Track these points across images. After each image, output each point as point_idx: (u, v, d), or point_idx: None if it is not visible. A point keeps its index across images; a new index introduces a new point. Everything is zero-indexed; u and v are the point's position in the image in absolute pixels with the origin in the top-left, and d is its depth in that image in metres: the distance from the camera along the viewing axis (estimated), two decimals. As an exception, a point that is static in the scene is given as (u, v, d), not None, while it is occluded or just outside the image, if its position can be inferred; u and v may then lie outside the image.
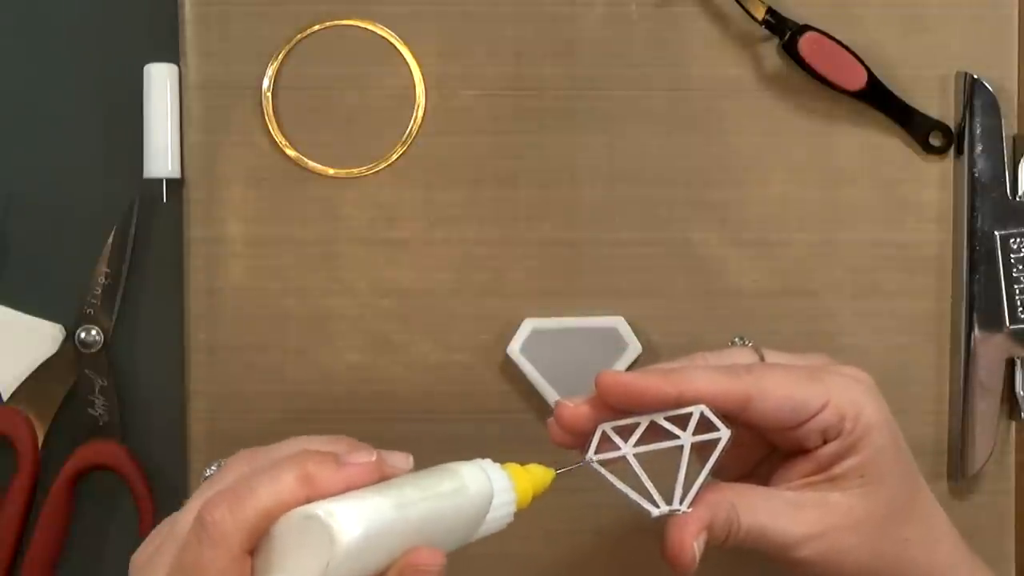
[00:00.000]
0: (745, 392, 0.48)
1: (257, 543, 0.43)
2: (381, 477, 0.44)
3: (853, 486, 0.50)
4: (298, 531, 0.41)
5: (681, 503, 0.48)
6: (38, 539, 0.62)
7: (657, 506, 0.48)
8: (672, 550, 0.48)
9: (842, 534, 0.50)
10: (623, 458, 0.49)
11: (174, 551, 0.44)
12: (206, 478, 0.49)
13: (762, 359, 0.52)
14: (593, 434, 0.49)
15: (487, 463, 0.47)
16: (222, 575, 0.42)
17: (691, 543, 0.48)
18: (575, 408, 0.49)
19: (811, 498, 0.50)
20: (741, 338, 0.55)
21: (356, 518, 0.41)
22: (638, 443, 0.48)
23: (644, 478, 0.48)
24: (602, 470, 0.49)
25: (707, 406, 0.48)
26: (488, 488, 0.45)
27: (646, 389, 0.48)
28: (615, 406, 0.49)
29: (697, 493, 0.48)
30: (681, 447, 0.48)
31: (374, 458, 0.44)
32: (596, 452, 0.49)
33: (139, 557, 0.47)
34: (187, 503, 0.48)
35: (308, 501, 0.42)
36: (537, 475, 0.48)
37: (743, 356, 0.52)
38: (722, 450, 0.48)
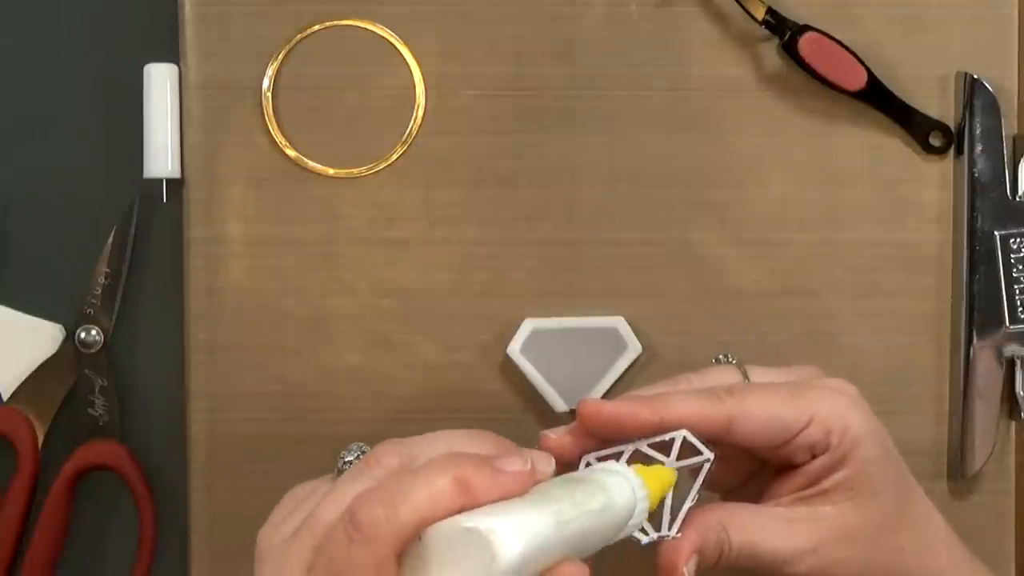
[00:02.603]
0: (727, 415, 0.48)
1: (408, 547, 0.42)
2: (534, 484, 0.44)
3: (843, 499, 0.50)
4: (455, 542, 0.41)
5: (670, 529, 0.48)
6: (38, 539, 0.62)
7: (647, 533, 0.48)
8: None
9: (835, 547, 0.49)
10: None
11: (312, 542, 0.43)
12: (347, 463, 0.48)
13: (746, 376, 0.52)
14: (578, 464, 0.49)
15: (629, 473, 0.46)
16: None
17: (682, 568, 0.48)
18: (558, 439, 0.49)
19: (802, 513, 0.50)
20: (725, 355, 0.54)
21: (518, 535, 0.40)
22: None
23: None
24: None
25: (689, 430, 0.48)
26: (632, 502, 0.45)
27: (626, 417, 0.48)
28: (597, 435, 0.49)
29: (685, 517, 0.48)
30: None
31: (529, 467, 0.44)
32: None
33: (271, 537, 0.46)
34: (324, 487, 0.47)
35: (463, 508, 0.42)
36: (665, 477, 0.47)
37: (726, 375, 0.52)
38: (707, 473, 0.48)
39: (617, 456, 0.48)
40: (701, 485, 0.48)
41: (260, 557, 0.46)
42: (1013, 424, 0.64)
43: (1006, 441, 0.64)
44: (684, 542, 0.48)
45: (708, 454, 0.48)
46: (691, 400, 0.49)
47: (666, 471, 0.47)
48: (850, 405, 0.50)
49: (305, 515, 0.45)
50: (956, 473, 0.63)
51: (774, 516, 0.50)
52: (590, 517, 0.43)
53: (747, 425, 0.49)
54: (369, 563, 0.41)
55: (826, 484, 0.50)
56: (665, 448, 0.48)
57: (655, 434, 0.48)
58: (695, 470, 0.48)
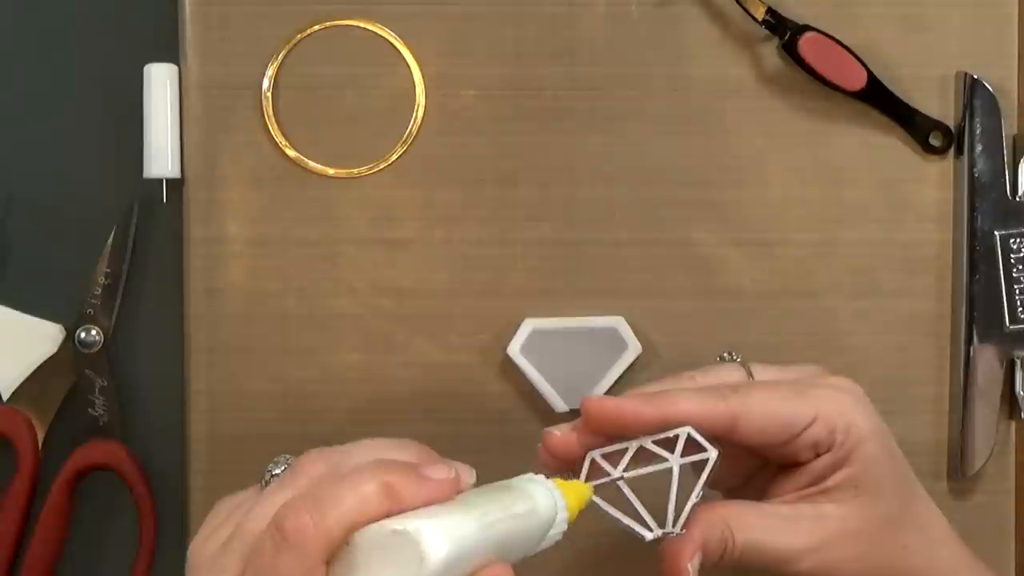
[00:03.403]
0: (731, 413, 0.48)
1: (335, 553, 0.42)
2: (458, 493, 0.44)
3: (847, 497, 0.50)
4: (383, 545, 0.41)
5: (674, 525, 0.48)
6: (38, 539, 0.62)
7: (651, 530, 0.48)
8: (668, 574, 0.48)
9: (839, 545, 0.50)
10: (614, 484, 0.49)
11: (243, 551, 0.43)
12: (273, 475, 0.48)
13: (750, 375, 0.52)
14: (583, 462, 0.49)
15: (548, 483, 0.46)
16: None
17: (686, 566, 0.48)
18: (563, 436, 0.49)
19: (806, 511, 0.50)
20: (729, 353, 0.54)
21: (444, 536, 0.41)
22: (628, 468, 0.49)
23: (636, 502, 0.48)
24: (598, 499, 0.48)
25: (693, 428, 0.48)
26: (553, 509, 0.46)
27: (630, 414, 0.48)
28: (601, 432, 0.49)
29: (690, 513, 0.48)
30: (671, 469, 0.48)
31: (454, 475, 0.44)
32: (587, 479, 0.49)
33: (201, 550, 0.46)
34: (252, 498, 0.47)
35: (390, 514, 0.42)
36: (580, 491, 0.47)
37: (730, 373, 0.52)
38: (711, 470, 0.48)
39: (621, 453, 0.49)
40: (705, 482, 0.48)
41: (191, 567, 0.46)
42: (1013, 424, 0.64)
43: (1006, 441, 0.64)
44: (688, 539, 0.48)
45: (712, 451, 0.48)
46: (695, 397, 0.49)
47: (582, 486, 0.48)
48: (854, 403, 0.50)
49: (234, 526, 0.45)
50: (956, 473, 0.63)
51: (778, 514, 0.50)
52: (515, 520, 0.44)
53: (751, 423, 0.49)
54: (297, 571, 0.41)
55: (829, 482, 0.50)
56: (669, 445, 0.48)
57: (659, 431, 0.48)
58: (699, 467, 0.48)
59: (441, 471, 0.44)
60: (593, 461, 0.49)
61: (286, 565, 0.41)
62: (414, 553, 0.40)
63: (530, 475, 0.47)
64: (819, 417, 0.49)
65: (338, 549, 0.42)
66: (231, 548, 0.44)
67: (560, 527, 0.46)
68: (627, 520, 0.48)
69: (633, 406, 0.48)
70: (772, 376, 0.53)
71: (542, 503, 0.45)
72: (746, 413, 0.49)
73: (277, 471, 0.48)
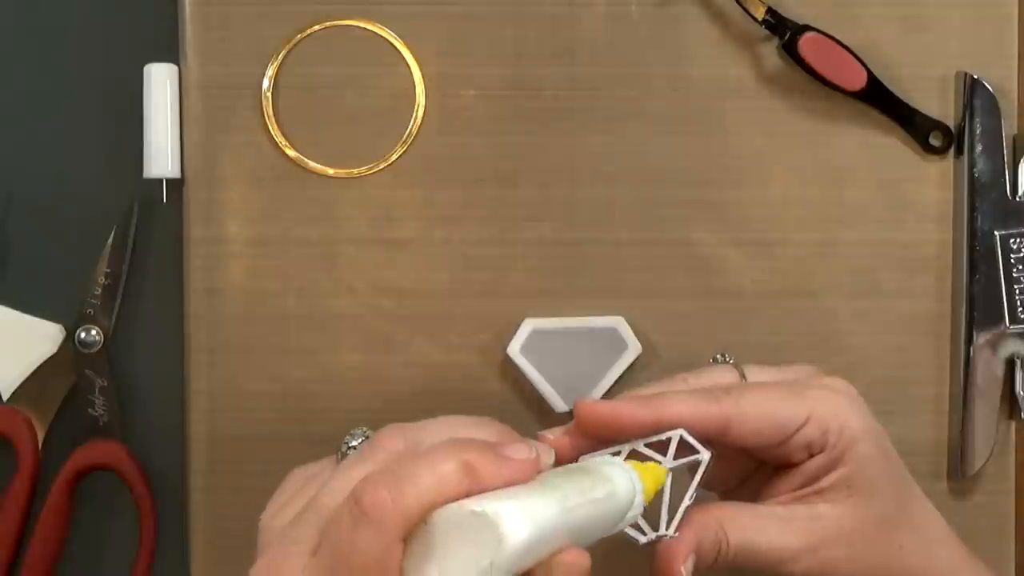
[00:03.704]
0: (724, 415, 0.49)
1: (413, 532, 0.41)
2: (537, 473, 0.44)
3: (841, 497, 0.50)
4: (462, 526, 0.40)
5: (668, 528, 0.48)
6: (38, 539, 0.62)
7: (644, 533, 0.48)
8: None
9: (833, 546, 0.49)
10: None
11: (318, 524, 0.43)
12: (351, 447, 0.48)
13: (743, 376, 0.52)
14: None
15: (627, 466, 0.46)
16: (376, 560, 0.40)
17: (679, 569, 0.48)
18: (556, 440, 0.49)
19: (800, 512, 0.50)
20: (723, 354, 0.54)
21: (524, 519, 0.40)
22: None
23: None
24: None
25: (686, 430, 0.48)
26: (631, 492, 0.45)
27: (624, 417, 0.48)
28: (594, 436, 0.49)
29: (683, 515, 0.48)
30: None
31: (534, 455, 0.44)
32: None
33: (272, 523, 0.46)
34: (327, 470, 0.47)
35: (469, 493, 0.42)
36: (658, 474, 0.47)
37: (723, 375, 0.52)
38: (704, 472, 0.48)
39: (614, 456, 0.48)
40: (699, 484, 0.48)
41: (263, 541, 0.46)
42: (1013, 424, 0.64)
43: (1006, 441, 0.64)
44: (681, 542, 0.48)
45: (705, 454, 0.48)
46: (688, 400, 0.49)
47: (659, 469, 0.48)
48: (847, 404, 0.50)
49: (308, 499, 0.45)
50: (956, 473, 0.63)
51: (772, 515, 0.50)
52: (594, 505, 0.44)
53: (744, 425, 0.49)
54: (374, 547, 0.40)
55: (824, 483, 0.50)
56: (662, 448, 0.48)
57: (652, 434, 0.48)
58: (692, 469, 0.48)
59: (521, 451, 0.44)
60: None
61: (363, 540, 0.41)
62: (493, 535, 0.40)
63: (607, 456, 0.47)
64: (812, 418, 0.49)
65: (416, 527, 0.41)
66: (305, 520, 0.43)
67: (637, 510, 0.46)
68: (621, 524, 0.47)
69: (626, 409, 0.48)
70: (765, 377, 0.53)
71: (621, 486, 0.45)
72: (739, 415, 0.49)
73: (354, 443, 0.48)
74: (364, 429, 0.48)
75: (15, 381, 0.63)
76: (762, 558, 0.49)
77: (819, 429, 0.49)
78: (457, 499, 0.41)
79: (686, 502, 0.48)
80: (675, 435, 0.48)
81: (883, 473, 0.50)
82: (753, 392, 0.50)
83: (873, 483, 0.50)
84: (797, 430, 0.49)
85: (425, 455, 0.42)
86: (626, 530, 0.47)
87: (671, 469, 0.48)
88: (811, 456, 0.50)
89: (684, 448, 0.48)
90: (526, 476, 0.43)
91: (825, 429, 0.49)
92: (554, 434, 0.49)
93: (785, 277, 0.63)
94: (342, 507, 0.42)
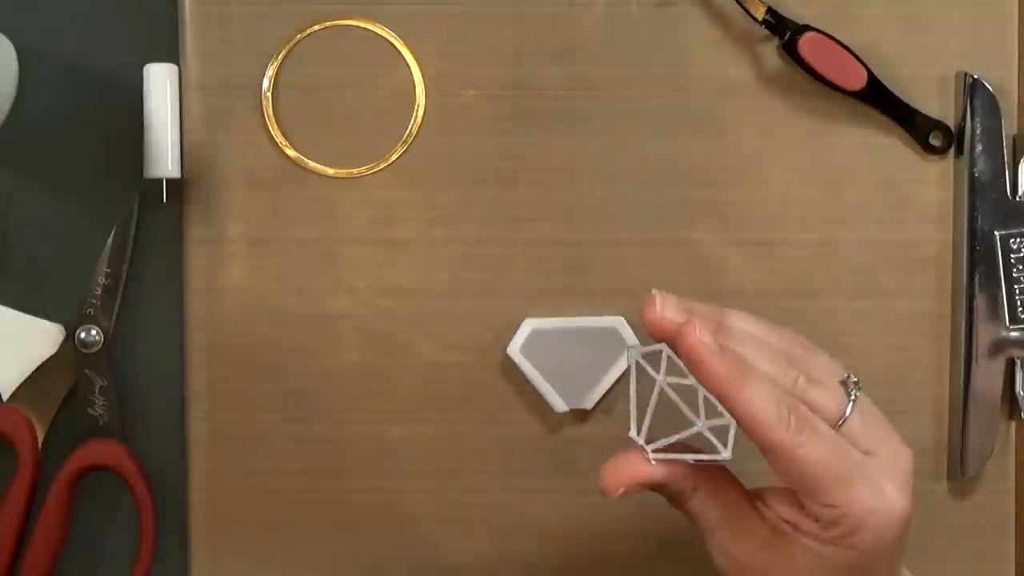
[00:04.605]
0: (772, 441, 0.46)
1: None
2: None
3: (827, 550, 0.48)
4: None
5: (640, 435, 0.49)
6: (38, 539, 0.62)
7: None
8: (605, 479, 0.49)
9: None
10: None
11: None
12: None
13: (851, 400, 0.49)
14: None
15: None
16: None
17: (616, 488, 0.49)
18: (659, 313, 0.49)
19: (779, 554, 0.49)
20: (854, 380, 0.50)
21: None
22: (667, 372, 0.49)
23: (649, 411, 0.49)
24: (638, 367, 0.49)
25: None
26: None
27: (691, 351, 0.47)
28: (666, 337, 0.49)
29: (671, 445, 0.48)
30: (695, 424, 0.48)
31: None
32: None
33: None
34: None
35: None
36: None
37: (830, 383, 0.49)
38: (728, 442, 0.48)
39: (658, 355, 0.49)
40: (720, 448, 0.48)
41: None
42: (1013, 424, 0.64)
43: (1006, 441, 0.64)
44: (649, 471, 0.49)
45: (732, 421, 0.47)
46: (766, 396, 0.47)
47: None
48: (886, 523, 0.48)
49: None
50: (956, 473, 0.63)
51: (758, 534, 0.49)
52: None
53: (781, 462, 0.47)
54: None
55: (824, 535, 0.48)
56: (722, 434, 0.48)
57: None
58: (720, 432, 0.48)
59: None
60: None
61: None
62: None
63: None
64: (844, 512, 0.47)
65: None
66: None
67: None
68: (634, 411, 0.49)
69: (698, 349, 0.47)
70: (750, 328, 0.50)
71: None
72: (783, 452, 0.47)
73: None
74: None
75: (15, 381, 0.63)
76: (721, 551, 0.50)
77: (842, 520, 0.47)
78: None
79: (682, 435, 0.48)
80: (664, 351, 0.48)
81: (878, 560, 0.49)
82: (824, 443, 0.47)
83: (860, 562, 0.48)
84: (825, 505, 0.47)
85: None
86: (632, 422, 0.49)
87: (706, 429, 0.48)
88: (817, 520, 0.48)
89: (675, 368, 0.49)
90: None
91: (850, 530, 0.47)
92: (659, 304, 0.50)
93: (785, 277, 0.63)
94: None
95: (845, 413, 0.48)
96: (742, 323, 0.50)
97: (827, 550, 0.48)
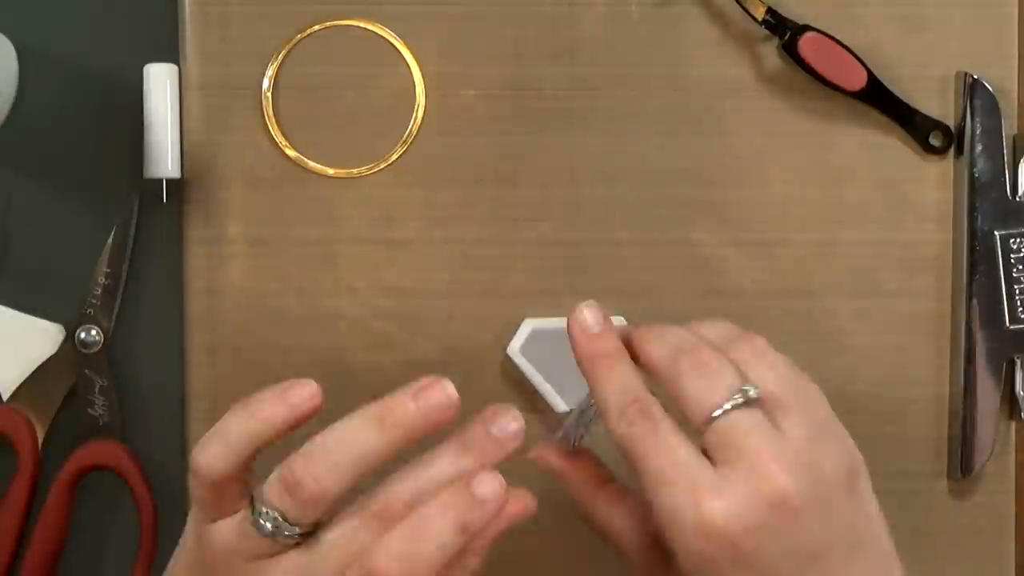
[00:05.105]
0: (616, 432, 0.47)
1: None
2: None
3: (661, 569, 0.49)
4: None
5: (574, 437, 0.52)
6: (38, 539, 0.62)
7: (565, 408, 0.59)
8: (538, 451, 0.53)
9: None
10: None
11: None
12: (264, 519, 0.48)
13: (730, 405, 0.46)
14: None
15: None
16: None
17: (546, 458, 0.52)
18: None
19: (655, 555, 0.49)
20: (751, 389, 0.47)
21: None
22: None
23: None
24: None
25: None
26: None
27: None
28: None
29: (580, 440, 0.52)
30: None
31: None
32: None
33: (207, 467, 0.48)
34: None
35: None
36: None
37: (719, 371, 0.47)
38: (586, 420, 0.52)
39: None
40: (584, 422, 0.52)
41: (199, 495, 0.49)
42: (1013, 424, 0.64)
43: (1006, 441, 0.64)
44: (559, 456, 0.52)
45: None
46: (624, 377, 0.48)
47: None
48: (693, 536, 0.45)
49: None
50: (956, 473, 0.63)
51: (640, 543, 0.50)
52: None
53: (623, 455, 0.48)
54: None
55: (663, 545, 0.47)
56: None
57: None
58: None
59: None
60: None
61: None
62: None
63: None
64: (657, 511, 0.46)
65: None
66: None
67: None
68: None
69: (574, 330, 0.50)
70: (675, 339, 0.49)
71: None
72: (621, 443, 0.47)
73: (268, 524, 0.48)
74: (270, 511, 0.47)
75: (15, 381, 0.63)
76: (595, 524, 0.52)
77: (656, 514, 0.46)
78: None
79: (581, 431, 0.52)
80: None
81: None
82: (644, 437, 0.46)
83: None
84: (650, 501, 0.46)
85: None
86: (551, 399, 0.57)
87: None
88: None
89: None
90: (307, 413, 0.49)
91: (659, 517, 0.46)
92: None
93: (785, 277, 0.63)
94: None
95: (712, 414, 0.45)
96: (694, 328, 0.50)
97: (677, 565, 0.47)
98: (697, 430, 0.46)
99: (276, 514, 0.46)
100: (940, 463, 0.64)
